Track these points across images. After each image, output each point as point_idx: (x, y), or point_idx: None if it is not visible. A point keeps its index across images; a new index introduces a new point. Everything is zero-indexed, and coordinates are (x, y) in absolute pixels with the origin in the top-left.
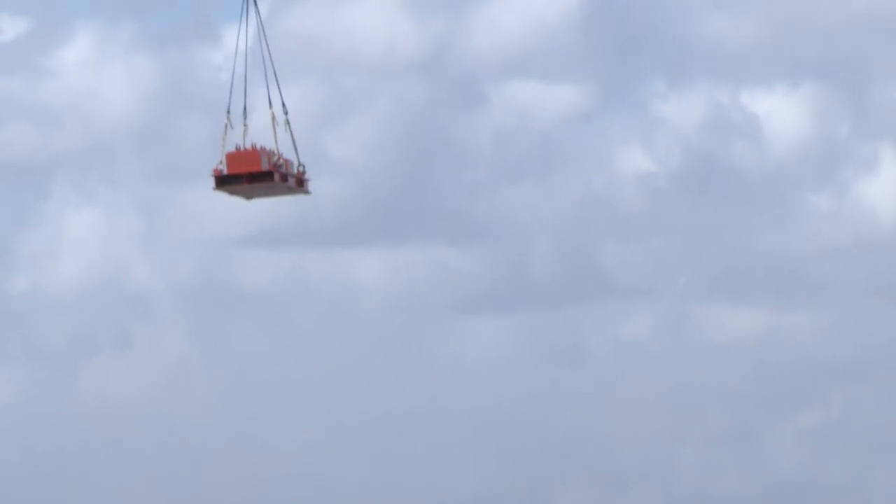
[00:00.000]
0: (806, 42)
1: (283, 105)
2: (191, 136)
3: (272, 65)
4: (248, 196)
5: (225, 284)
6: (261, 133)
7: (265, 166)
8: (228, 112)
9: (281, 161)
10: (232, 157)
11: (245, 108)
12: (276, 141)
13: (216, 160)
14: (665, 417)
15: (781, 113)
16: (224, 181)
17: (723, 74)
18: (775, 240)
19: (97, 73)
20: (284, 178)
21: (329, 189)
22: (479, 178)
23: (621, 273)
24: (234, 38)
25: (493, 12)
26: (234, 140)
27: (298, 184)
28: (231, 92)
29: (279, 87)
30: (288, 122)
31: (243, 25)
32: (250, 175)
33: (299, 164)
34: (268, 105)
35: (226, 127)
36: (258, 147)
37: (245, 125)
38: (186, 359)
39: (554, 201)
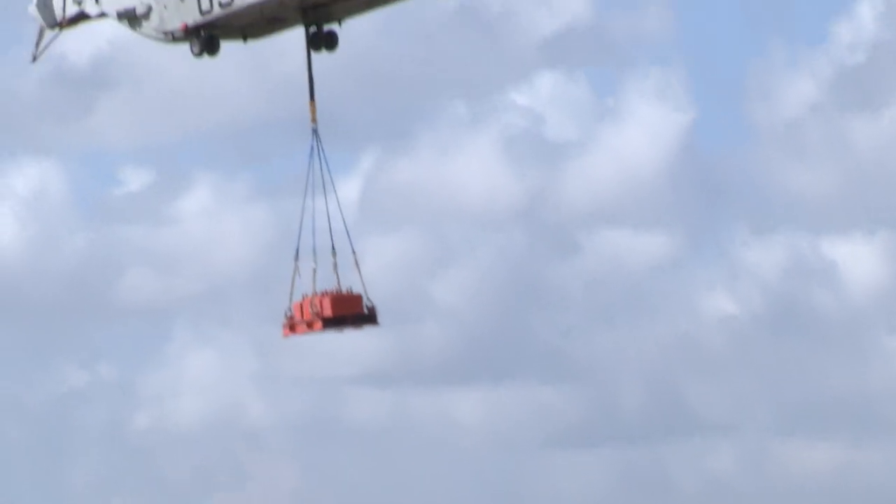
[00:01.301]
0: (881, 191)
1: (338, 249)
2: (300, 281)
3: (340, 207)
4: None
5: (333, 421)
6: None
7: (365, 309)
8: (297, 258)
9: (370, 303)
10: (337, 300)
11: (299, 250)
12: (365, 286)
13: (286, 305)
14: None
15: (858, 259)
16: (331, 323)
17: (803, 223)
18: (852, 379)
19: (214, 222)
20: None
21: (432, 331)
22: (572, 321)
23: (706, 410)
24: (346, 189)
25: (586, 162)
26: (301, 285)
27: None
28: (299, 238)
29: (349, 233)
30: (357, 263)
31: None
32: (355, 317)
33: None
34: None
35: (295, 271)
36: (351, 290)
37: (298, 268)
38: (299, 492)
39: (642, 342)
